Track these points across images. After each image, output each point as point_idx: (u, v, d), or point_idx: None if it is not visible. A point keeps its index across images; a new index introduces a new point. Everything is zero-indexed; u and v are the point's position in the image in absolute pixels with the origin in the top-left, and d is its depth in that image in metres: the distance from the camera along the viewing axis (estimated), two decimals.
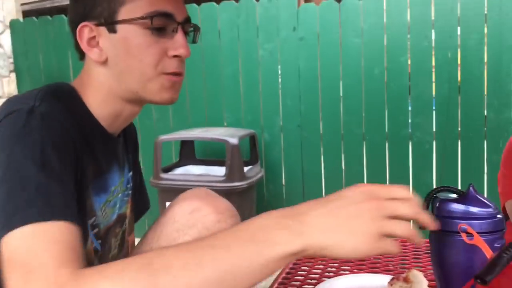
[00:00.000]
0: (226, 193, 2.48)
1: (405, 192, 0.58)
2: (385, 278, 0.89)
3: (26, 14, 5.47)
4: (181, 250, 0.54)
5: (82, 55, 0.86)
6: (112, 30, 0.79)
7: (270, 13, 2.95)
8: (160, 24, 0.78)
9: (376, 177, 2.80)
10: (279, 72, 2.99)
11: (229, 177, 2.48)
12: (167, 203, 2.76)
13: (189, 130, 2.92)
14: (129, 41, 0.78)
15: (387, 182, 2.77)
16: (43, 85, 0.80)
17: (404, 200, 0.57)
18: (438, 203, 0.72)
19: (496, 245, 0.68)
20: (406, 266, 1.02)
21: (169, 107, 3.15)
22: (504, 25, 2.50)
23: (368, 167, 2.83)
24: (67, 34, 0.86)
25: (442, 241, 0.72)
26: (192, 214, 0.81)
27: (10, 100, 0.74)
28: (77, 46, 0.84)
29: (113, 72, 0.81)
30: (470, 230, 0.68)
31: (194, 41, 0.86)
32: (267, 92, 3.02)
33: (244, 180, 2.52)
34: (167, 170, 2.70)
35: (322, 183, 2.94)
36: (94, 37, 0.80)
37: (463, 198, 0.71)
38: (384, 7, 2.73)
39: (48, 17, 3.46)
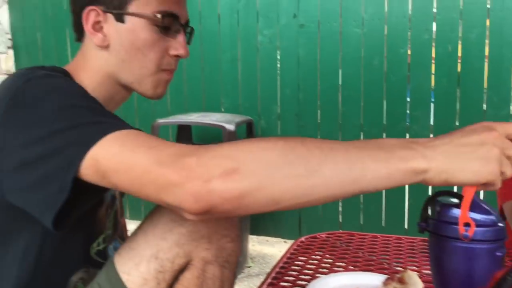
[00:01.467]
0: None
1: None
2: (379, 278, 0.91)
3: None
4: (324, 147, 0.58)
5: (79, 36, 0.87)
6: (120, 19, 0.82)
7: None
8: (167, 24, 0.83)
9: None
10: (278, 59, 2.97)
11: None
12: None
13: (186, 115, 2.91)
14: (136, 33, 0.82)
15: None
16: (41, 63, 0.81)
17: None
18: (439, 208, 0.72)
19: (497, 254, 0.68)
20: (401, 265, 1.04)
21: (167, 91, 3.13)
22: (506, 20, 2.48)
23: None
24: (65, 12, 0.87)
25: (442, 246, 0.72)
26: None
27: (19, 73, 0.76)
28: (77, 27, 0.86)
29: (114, 58, 0.84)
30: (471, 233, 0.65)
31: (189, 43, 0.90)
32: (265, 79, 3.00)
33: None
34: None
35: None
36: (99, 22, 0.82)
37: None
38: None
39: None
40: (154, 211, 0.84)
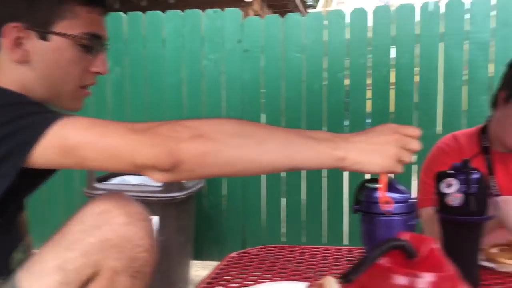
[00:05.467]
0: (164, 204, 2.44)
1: (416, 130, 0.80)
2: (302, 286, 0.91)
3: None
4: (268, 127, 0.77)
5: None
6: (43, 37, 0.85)
7: (215, 24, 2.97)
8: (91, 44, 0.88)
9: (314, 188, 2.86)
10: (223, 83, 3.00)
11: (166, 187, 2.44)
12: None
13: None
14: (61, 52, 0.86)
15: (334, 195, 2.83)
16: None
17: (413, 137, 0.79)
18: (366, 192, 0.91)
19: (409, 223, 0.87)
20: (325, 273, 1.05)
21: (109, 114, 3.08)
22: (433, 46, 2.66)
23: (308, 179, 2.89)
24: None
25: (370, 221, 0.90)
26: (100, 215, 0.78)
27: None
28: None
29: (33, 74, 0.86)
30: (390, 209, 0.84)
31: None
32: (210, 103, 3.02)
33: (182, 190, 2.49)
34: (102, 180, 2.63)
35: (260, 192, 2.96)
36: (19, 38, 0.84)
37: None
38: (325, 25, 2.83)
39: None
40: (66, 223, 0.82)
